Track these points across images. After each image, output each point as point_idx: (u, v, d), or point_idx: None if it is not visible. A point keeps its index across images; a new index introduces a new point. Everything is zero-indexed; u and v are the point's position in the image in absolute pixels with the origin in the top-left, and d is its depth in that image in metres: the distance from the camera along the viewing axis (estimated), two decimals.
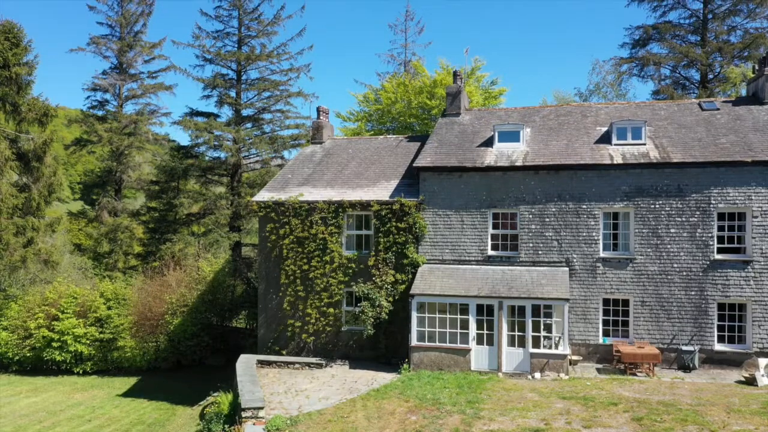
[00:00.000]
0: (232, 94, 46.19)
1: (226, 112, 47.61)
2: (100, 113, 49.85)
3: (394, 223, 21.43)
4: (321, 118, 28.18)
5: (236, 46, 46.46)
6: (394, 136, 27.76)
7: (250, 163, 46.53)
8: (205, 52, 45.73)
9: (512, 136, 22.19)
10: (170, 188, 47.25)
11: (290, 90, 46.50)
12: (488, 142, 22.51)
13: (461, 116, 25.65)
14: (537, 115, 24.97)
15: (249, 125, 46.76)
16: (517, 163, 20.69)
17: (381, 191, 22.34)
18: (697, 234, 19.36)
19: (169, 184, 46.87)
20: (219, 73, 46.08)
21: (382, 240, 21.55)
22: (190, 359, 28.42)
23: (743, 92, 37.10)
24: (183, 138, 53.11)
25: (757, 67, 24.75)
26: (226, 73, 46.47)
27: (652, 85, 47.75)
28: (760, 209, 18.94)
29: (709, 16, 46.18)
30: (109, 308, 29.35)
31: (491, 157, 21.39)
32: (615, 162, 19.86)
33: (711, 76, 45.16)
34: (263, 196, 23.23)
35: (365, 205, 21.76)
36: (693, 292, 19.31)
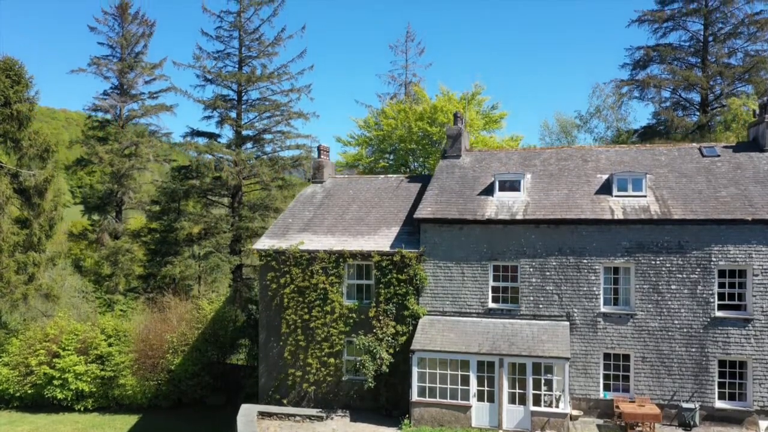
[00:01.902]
0: (233, 114, 46.27)
1: (227, 133, 47.67)
2: (100, 134, 49.93)
3: (394, 275, 21.44)
4: (322, 157, 28.20)
5: (237, 66, 46.52)
6: (395, 176, 27.77)
7: (251, 183, 46.56)
8: (205, 73, 45.81)
9: (513, 185, 22.20)
10: (171, 209, 47.31)
11: (291, 111, 46.58)
12: (489, 190, 22.52)
13: (462, 158, 25.66)
14: (537, 158, 24.98)
15: (250, 145, 46.82)
16: (518, 216, 20.70)
17: (382, 240, 22.35)
18: (698, 291, 19.37)
19: (170, 204, 46.93)
20: (220, 94, 46.18)
21: (382, 291, 21.57)
22: (191, 397, 28.45)
23: (745, 112, 37.11)
24: (184, 156, 53.17)
25: (757, 111, 24.76)
26: (227, 93, 46.53)
27: (652, 107, 47.66)
28: (760, 267, 18.95)
29: (710, 38, 46.21)
30: (110, 345, 29.38)
31: (492, 208, 21.40)
32: (616, 217, 19.87)
33: (711, 97, 45.17)
34: (264, 243, 23.24)
35: (366, 255, 21.78)
36: (694, 349, 19.33)
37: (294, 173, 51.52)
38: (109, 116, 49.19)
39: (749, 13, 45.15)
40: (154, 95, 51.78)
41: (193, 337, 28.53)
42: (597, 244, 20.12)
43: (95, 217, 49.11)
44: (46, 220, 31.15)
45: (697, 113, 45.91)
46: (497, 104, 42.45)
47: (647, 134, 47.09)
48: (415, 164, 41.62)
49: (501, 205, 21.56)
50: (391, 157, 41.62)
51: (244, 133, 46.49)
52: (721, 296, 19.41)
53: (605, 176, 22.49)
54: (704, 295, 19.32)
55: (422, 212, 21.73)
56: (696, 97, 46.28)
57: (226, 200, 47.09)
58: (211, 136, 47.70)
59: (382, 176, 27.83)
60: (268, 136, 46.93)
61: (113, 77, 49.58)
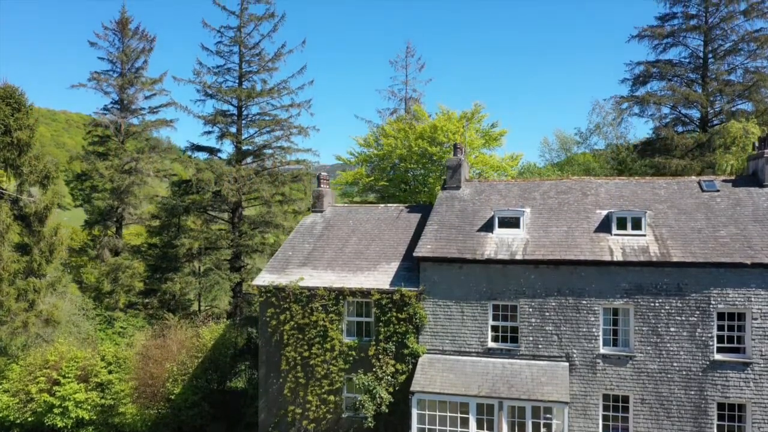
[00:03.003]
0: (233, 129, 46.33)
1: (227, 148, 47.79)
2: (101, 149, 49.98)
3: (394, 313, 21.48)
4: (322, 186, 28.22)
5: (237, 81, 46.57)
6: (395, 205, 27.78)
7: (251, 198, 46.62)
8: (206, 88, 45.90)
9: (512, 222, 22.22)
10: (171, 224, 47.38)
11: (291, 125, 46.68)
12: (488, 226, 22.54)
13: (462, 190, 25.69)
14: (537, 190, 24.99)
15: (250, 159, 46.87)
16: (517, 256, 20.72)
17: (381, 276, 22.38)
18: (697, 333, 19.41)
19: (170, 220, 47.01)
20: (220, 109, 46.26)
21: (382, 329, 21.61)
22: (191, 426, 28.48)
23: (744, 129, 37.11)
24: (185, 170, 53.40)
25: (757, 144, 24.78)
26: (227, 109, 46.59)
27: (652, 123, 47.68)
28: (759, 311, 18.98)
29: (710, 55, 46.21)
30: (110, 372, 29.41)
31: (491, 246, 21.43)
32: (615, 259, 19.89)
33: (711, 113, 45.13)
34: (264, 278, 23.27)
35: (366, 293, 21.82)
36: (693, 392, 19.37)
37: (294, 188, 51.46)
38: (109, 131, 49.20)
39: (749, 30, 45.17)
40: (155, 110, 51.83)
41: (193, 366, 28.56)
42: (596, 285, 20.15)
43: (96, 232, 49.24)
44: (47, 245, 31.16)
45: (698, 129, 45.93)
46: (497, 123, 42.44)
47: (647, 151, 47.12)
48: (414, 182, 41.62)
49: (500, 242, 21.58)
50: (392, 173, 41.57)
51: (245, 148, 46.56)
52: (720, 339, 19.45)
53: (605, 212, 22.51)
54: (703, 338, 19.36)
55: (422, 250, 21.75)
56: (696, 113, 46.29)
57: (226, 215, 47.14)
58: (212, 150, 47.78)
59: (382, 206, 27.85)
60: (268, 151, 47.00)
61: (113, 92, 49.64)
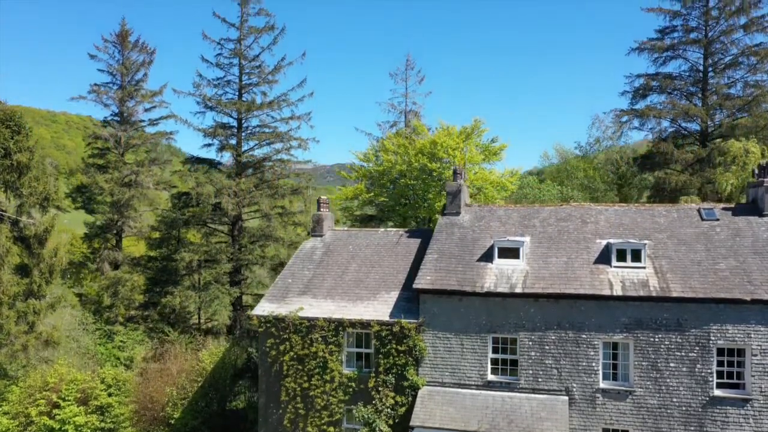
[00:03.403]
0: (233, 141, 46.38)
1: (227, 160, 47.72)
2: (101, 161, 50.00)
3: (394, 345, 21.48)
4: (321, 210, 28.21)
5: (237, 94, 46.61)
6: (394, 230, 27.78)
7: (251, 211, 46.63)
8: (206, 100, 45.95)
9: (512, 252, 22.21)
10: (171, 237, 47.46)
11: (291, 140, 46.71)
12: (488, 256, 22.54)
13: (461, 215, 25.68)
14: (536, 217, 24.98)
15: (250, 171, 46.89)
16: (517, 289, 20.71)
17: (381, 306, 22.38)
18: (697, 369, 19.41)
19: (170, 232, 47.07)
20: (220, 122, 46.33)
21: (382, 361, 21.61)
22: None
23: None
24: (184, 183, 53.40)
25: (756, 171, 24.74)
26: (227, 121, 46.64)
27: (651, 137, 47.63)
28: (759, 347, 18.98)
29: (710, 69, 46.14)
30: (109, 395, 29.41)
31: (491, 278, 21.42)
32: (615, 293, 19.88)
33: (711, 126, 45.05)
34: (264, 308, 23.27)
35: (365, 324, 21.83)
36: (692, 428, 19.37)
37: (295, 202, 51.47)
38: (109, 143, 49.20)
39: (749, 45, 45.13)
40: (155, 122, 51.95)
41: (192, 390, 28.57)
42: (596, 319, 20.14)
43: (96, 244, 49.30)
44: (47, 266, 31.16)
45: (698, 142, 45.88)
46: (496, 138, 42.46)
47: (646, 164, 47.09)
48: (414, 196, 41.58)
49: (500, 274, 21.58)
50: (392, 188, 41.53)
51: (244, 160, 46.60)
52: (719, 375, 19.45)
53: (604, 242, 22.50)
54: (703, 374, 19.36)
55: (421, 281, 21.75)
56: (696, 126, 46.21)
57: (225, 227, 47.16)
58: (212, 163, 47.82)
59: (382, 230, 27.84)
60: (268, 164, 47.02)
61: (113, 105, 49.69)
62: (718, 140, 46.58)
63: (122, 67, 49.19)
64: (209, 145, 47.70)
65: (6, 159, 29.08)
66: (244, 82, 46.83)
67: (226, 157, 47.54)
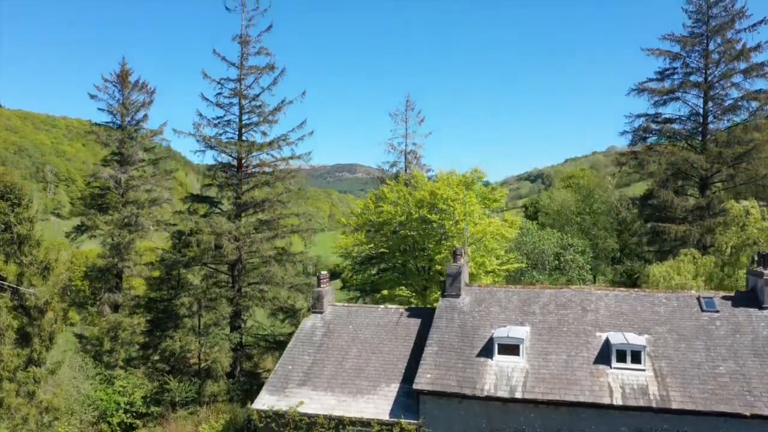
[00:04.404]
0: (234, 181, 46.40)
1: (227, 196, 47.75)
2: (100, 201, 50.03)
3: None
4: (322, 286, 28.26)
5: (237, 133, 46.61)
6: (394, 308, 27.84)
7: (251, 252, 46.63)
8: (206, 140, 46.02)
9: (512, 350, 22.25)
10: (172, 277, 47.46)
11: (291, 179, 46.81)
12: (488, 350, 22.59)
13: (461, 297, 25.73)
14: (537, 302, 25.02)
15: (250, 210, 46.89)
16: (517, 393, 20.77)
17: (381, 402, 22.44)
18: None
19: (170, 273, 47.08)
20: (220, 162, 46.36)
21: None
22: None
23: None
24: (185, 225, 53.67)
25: (756, 258, 24.80)
26: (227, 160, 46.66)
27: (650, 179, 47.78)
28: None
29: (710, 113, 46.20)
30: None
31: (491, 378, 21.47)
32: (615, 403, 19.95)
33: (711, 169, 45.14)
34: (264, 401, 23.33)
35: (365, 423, 21.88)
36: None
37: (294, 241, 51.47)
38: (109, 183, 49.22)
39: (749, 90, 45.23)
40: (154, 161, 51.94)
41: None
42: (596, 427, 20.21)
43: (97, 284, 49.40)
44: (47, 334, 31.18)
45: (697, 188, 45.96)
46: (496, 186, 42.58)
47: (646, 207, 47.17)
48: (414, 244, 41.64)
49: (500, 373, 21.62)
50: (393, 237, 41.57)
51: (245, 200, 46.60)
52: None
53: (604, 336, 22.56)
54: None
55: (421, 380, 21.78)
56: (696, 168, 46.21)
57: (225, 266, 47.17)
58: (212, 202, 47.83)
59: (382, 308, 27.90)
60: (268, 204, 47.01)
61: (113, 144, 49.64)
62: (718, 184, 46.65)
63: (122, 107, 49.13)
64: (209, 185, 47.81)
65: (6, 233, 29.08)
66: (244, 122, 46.80)
67: (226, 196, 47.63)
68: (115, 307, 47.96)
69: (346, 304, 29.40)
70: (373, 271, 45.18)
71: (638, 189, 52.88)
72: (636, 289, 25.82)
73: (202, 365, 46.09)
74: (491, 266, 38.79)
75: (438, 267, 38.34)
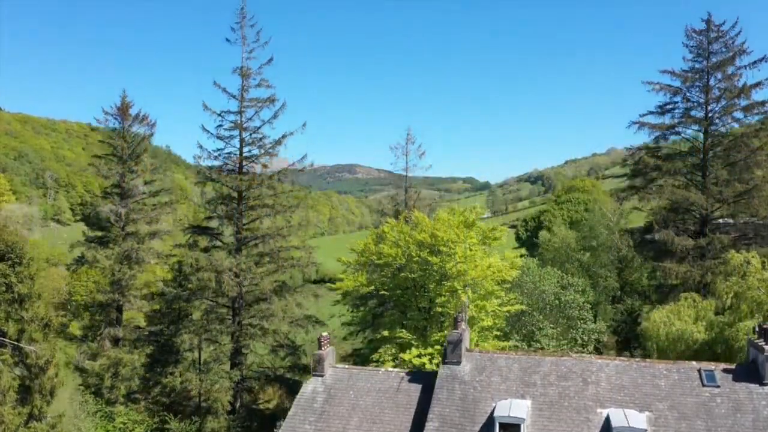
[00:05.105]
0: (234, 213, 46.57)
1: (228, 231, 47.87)
2: (100, 233, 50.15)
3: None
4: (322, 349, 28.26)
5: (238, 166, 46.77)
6: (396, 371, 27.89)
7: (254, 285, 46.69)
8: (206, 172, 46.24)
9: (513, 428, 22.31)
10: (172, 311, 47.56)
11: (291, 212, 47.09)
12: (489, 427, 22.65)
13: (462, 365, 25.76)
14: (537, 372, 25.05)
15: (251, 243, 46.97)
16: None
17: None
18: None
19: (171, 306, 47.20)
20: (220, 194, 46.57)
21: None
22: None
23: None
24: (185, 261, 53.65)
25: (757, 328, 24.81)
26: (228, 193, 46.81)
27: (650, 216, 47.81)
28: None
29: (710, 151, 46.22)
30: None
31: None
32: None
33: (711, 204, 45.14)
34: None
35: None
36: None
37: (295, 274, 51.72)
38: (110, 217, 49.30)
39: (750, 126, 45.28)
40: (155, 194, 52.04)
41: None
42: None
43: (98, 317, 49.55)
44: (48, 389, 31.26)
45: (695, 226, 45.99)
46: (496, 225, 42.64)
47: (646, 242, 47.18)
48: (414, 285, 41.65)
49: None
50: (392, 279, 41.58)
51: (245, 235, 46.74)
52: None
53: (605, 413, 22.61)
54: None
55: None
56: (696, 208, 46.28)
57: (226, 299, 47.29)
58: (213, 234, 47.91)
59: (382, 371, 27.95)
60: (269, 239, 47.11)
61: (114, 177, 49.72)
62: (719, 219, 46.65)
63: (122, 141, 49.20)
64: (210, 218, 48.01)
65: (7, 293, 29.13)
66: (245, 155, 47.03)
67: (227, 227, 47.75)
68: (116, 341, 48.14)
69: (347, 366, 29.40)
70: (373, 304, 45.25)
71: (638, 217, 52.86)
72: (637, 359, 25.86)
73: (203, 402, 46.28)
74: (492, 308, 38.82)
75: (439, 309, 38.39)
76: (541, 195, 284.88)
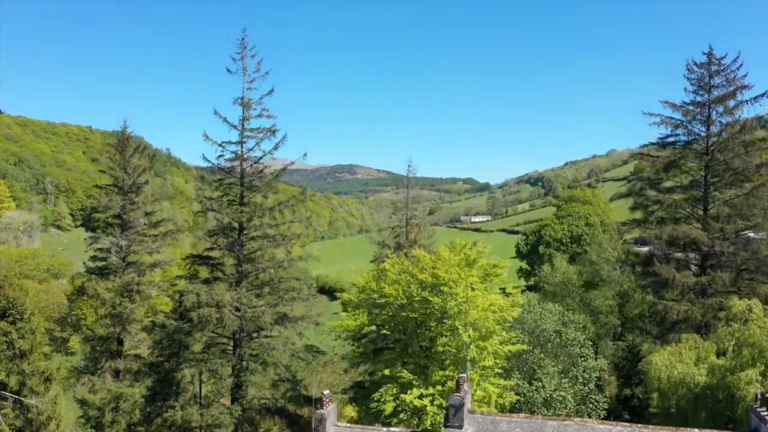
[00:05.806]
0: (235, 245, 46.59)
1: (230, 261, 47.89)
2: (101, 264, 50.04)
3: None
4: (324, 408, 28.21)
5: (239, 197, 46.77)
6: (398, 431, 27.88)
7: (255, 317, 46.67)
8: (207, 203, 46.32)
9: None
10: (174, 343, 47.51)
11: (291, 243, 47.17)
12: None
13: (464, 430, 25.75)
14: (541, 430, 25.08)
15: (251, 276, 47.01)
16: None
17: None
18: None
19: (173, 338, 47.16)
20: (221, 224, 46.60)
21: None
22: None
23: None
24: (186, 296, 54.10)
25: (759, 396, 24.78)
26: (229, 222, 46.84)
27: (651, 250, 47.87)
28: None
29: (710, 185, 46.18)
30: None
31: None
32: None
33: (712, 238, 45.10)
34: None
35: None
36: None
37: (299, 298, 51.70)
38: (111, 249, 49.19)
39: (751, 162, 45.26)
40: (155, 224, 51.92)
41: None
42: None
43: (99, 348, 49.48)
44: None
45: (697, 266, 46.00)
46: (498, 262, 42.67)
47: (647, 277, 47.18)
48: (415, 324, 41.70)
49: None
50: (393, 319, 41.59)
51: (246, 267, 46.77)
52: None
53: None
54: None
55: None
56: (698, 242, 46.19)
57: (227, 331, 47.32)
58: (213, 265, 47.91)
59: (385, 430, 27.95)
60: (271, 270, 47.16)
61: (115, 209, 49.59)
62: (720, 255, 46.67)
63: (123, 172, 49.05)
64: (211, 248, 48.05)
65: (9, 350, 29.17)
66: (245, 185, 47.01)
67: (228, 261, 47.78)
68: (116, 373, 48.14)
69: (348, 426, 29.37)
70: (373, 337, 45.34)
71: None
72: (639, 425, 25.84)
73: None
74: (493, 347, 38.88)
75: (440, 348, 38.51)
76: (541, 197, 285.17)
